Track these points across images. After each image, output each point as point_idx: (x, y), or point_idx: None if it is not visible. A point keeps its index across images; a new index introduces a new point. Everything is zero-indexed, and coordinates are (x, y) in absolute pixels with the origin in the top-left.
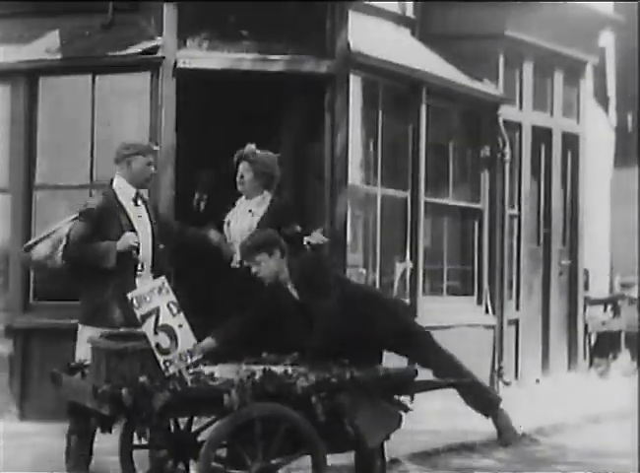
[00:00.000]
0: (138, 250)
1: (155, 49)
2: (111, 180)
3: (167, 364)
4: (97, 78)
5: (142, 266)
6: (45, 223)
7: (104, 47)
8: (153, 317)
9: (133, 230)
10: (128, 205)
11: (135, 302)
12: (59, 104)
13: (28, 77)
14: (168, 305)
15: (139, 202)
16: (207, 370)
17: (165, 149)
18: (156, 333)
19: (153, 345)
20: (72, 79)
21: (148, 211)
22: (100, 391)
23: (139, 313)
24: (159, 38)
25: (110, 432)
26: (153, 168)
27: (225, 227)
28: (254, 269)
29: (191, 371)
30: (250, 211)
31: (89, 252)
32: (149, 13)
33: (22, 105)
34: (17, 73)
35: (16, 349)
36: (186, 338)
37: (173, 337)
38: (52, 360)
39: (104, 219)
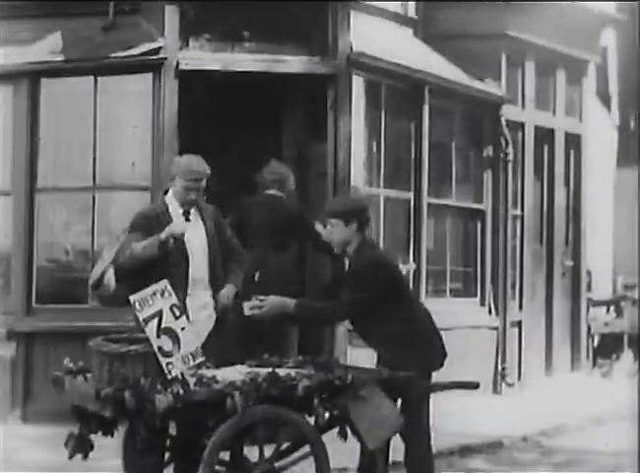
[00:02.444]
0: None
1: (156, 51)
2: (166, 191)
3: (170, 366)
4: (99, 79)
5: (194, 282)
6: (47, 225)
7: (106, 49)
8: (155, 320)
9: (183, 244)
10: (177, 218)
11: (137, 305)
12: (61, 106)
13: (30, 79)
14: (171, 308)
15: (191, 217)
16: (210, 372)
17: (168, 151)
18: (158, 336)
19: (155, 348)
20: (74, 81)
21: (206, 226)
22: (103, 394)
23: (141, 316)
24: (160, 40)
25: (112, 435)
26: (192, 196)
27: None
28: (326, 231)
29: (193, 372)
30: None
31: (134, 249)
32: (150, 14)
33: (24, 107)
34: (19, 75)
35: (18, 352)
36: (189, 341)
37: (176, 340)
38: (55, 363)
39: (154, 230)
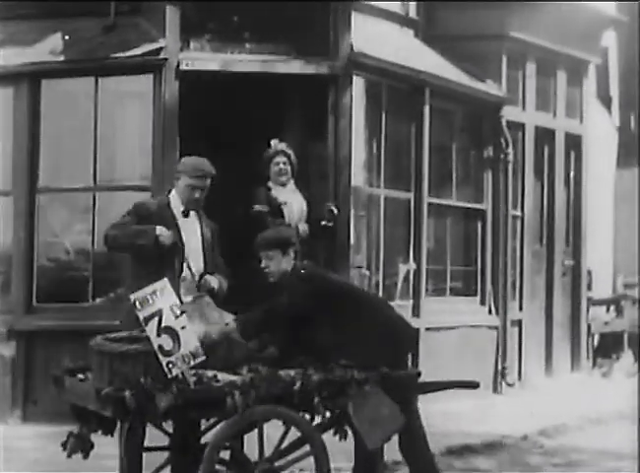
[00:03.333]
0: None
1: (157, 51)
2: (169, 191)
3: (170, 366)
4: (100, 80)
5: (189, 275)
6: (48, 225)
7: (107, 50)
8: (155, 319)
9: (179, 235)
10: (179, 215)
11: (137, 303)
12: (62, 107)
13: (30, 79)
14: (171, 307)
15: (190, 215)
16: (210, 371)
17: (168, 151)
18: (158, 335)
19: (155, 347)
20: (75, 81)
21: (202, 226)
22: (103, 394)
23: (141, 315)
24: (161, 40)
25: (112, 434)
26: (197, 194)
27: (284, 207)
28: (264, 263)
29: (193, 372)
30: (296, 195)
31: (128, 230)
32: (151, 15)
33: (24, 108)
34: (20, 75)
35: (18, 351)
36: (189, 340)
37: (176, 339)
38: (55, 362)
39: (153, 221)
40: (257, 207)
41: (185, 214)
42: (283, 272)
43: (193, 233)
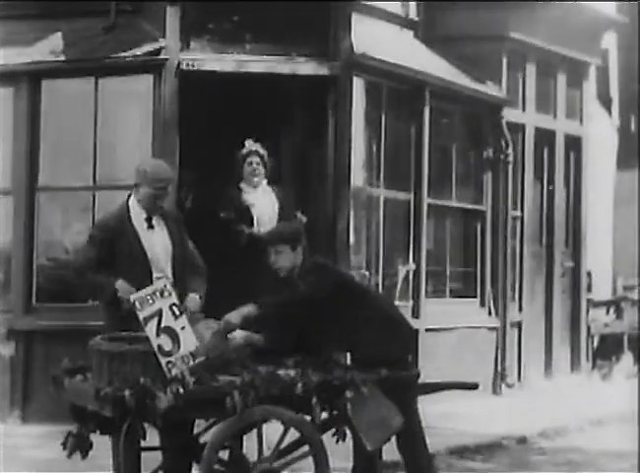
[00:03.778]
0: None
1: (157, 51)
2: (128, 196)
3: (170, 366)
4: (100, 80)
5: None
6: (47, 224)
7: (107, 49)
8: (155, 319)
9: (142, 250)
10: (140, 226)
11: (137, 304)
12: (62, 107)
13: (30, 79)
14: (171, 308)
15: (154, 223)
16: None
17: (168, 150)
18: (158, 335)
19: (155, 347)
20: (75, 81)
21: (170, 231)
22: (103, 394)
23: (141, 316)
24: (161, 41)
25: (111, 434)
26: (159, 202)
27: (253, 209)
28: (272, 258)
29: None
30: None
31: (88, 283)
32: (151, 15)
33: (24, 107)
34: (20, 75)
35: (18, 351)
36: (188, 340)
37: (175, 339)
38: (54, 362)
39: (113, 240)
40: (222, 214)
41: (149, 225)
42: (292, 267)
43: (159, 242)
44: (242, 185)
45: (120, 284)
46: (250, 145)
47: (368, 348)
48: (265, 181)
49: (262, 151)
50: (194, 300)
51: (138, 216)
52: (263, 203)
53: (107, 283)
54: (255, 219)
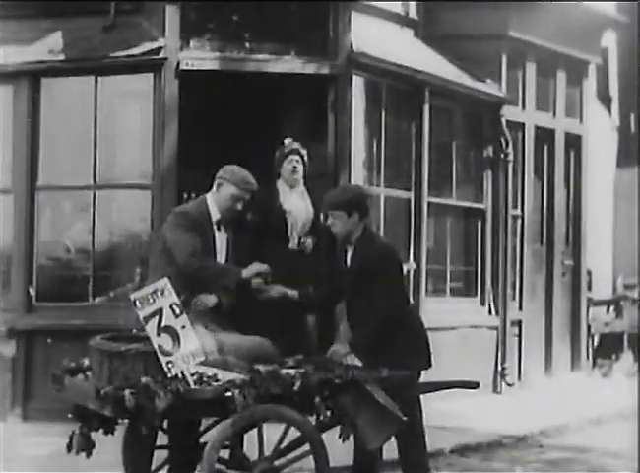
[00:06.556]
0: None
1: (157, 51)
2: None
3: (170, 365)
4: (100, 79)
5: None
6: (48, 223)
7: (107, 49)
8: (155, 319)
9: (213, 251)
10: (215, 225)
11: (137, 303)
12: (62, 106)
13: (30, 78)
14: (171, 307)
15: (221, 227)
16: (210, 371)
17: (168, 150)
18: (158, 334)
19: (155, 346)
20: (74, 80)
21: (228, 239)
22: (103, 393)
23: (141, 315)
24: (161, 40)
25: (113, 433)
26: (239, 206)
27: (288, 216)
28: (330, 222)
29: (193, 371)
30: (304, 200)
31: (209, 272)
32: (151, 14)
33: (24, 106)
34: (19, 74)
35: (18, 350)
36: (189, 339)
37: (176, 338)
38: (55, 361)
39: (196, 230)
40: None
41: (219, 226)
42: (347, 233)
43: (222, 247)
44: (278, 185)
45: (249, 270)
46: (290, 143)
47: (393, 354)
48: (302, 182)
49: (302, 150)
50: (210, 298)
51: (213, 215)
52: (299, 208)
53: (233, 271)
54: (289, 226)
